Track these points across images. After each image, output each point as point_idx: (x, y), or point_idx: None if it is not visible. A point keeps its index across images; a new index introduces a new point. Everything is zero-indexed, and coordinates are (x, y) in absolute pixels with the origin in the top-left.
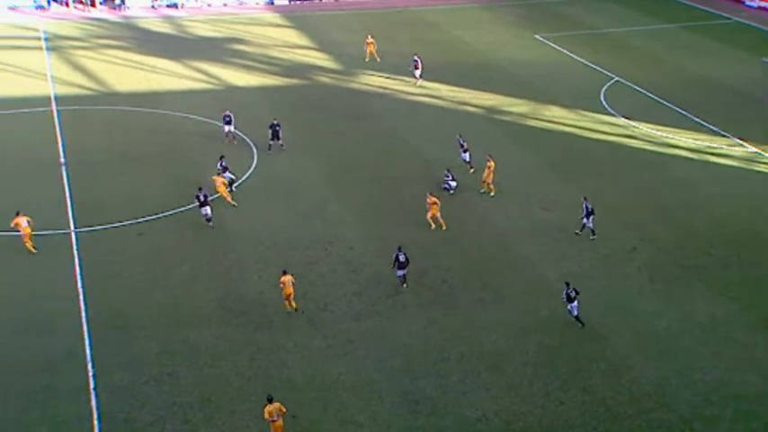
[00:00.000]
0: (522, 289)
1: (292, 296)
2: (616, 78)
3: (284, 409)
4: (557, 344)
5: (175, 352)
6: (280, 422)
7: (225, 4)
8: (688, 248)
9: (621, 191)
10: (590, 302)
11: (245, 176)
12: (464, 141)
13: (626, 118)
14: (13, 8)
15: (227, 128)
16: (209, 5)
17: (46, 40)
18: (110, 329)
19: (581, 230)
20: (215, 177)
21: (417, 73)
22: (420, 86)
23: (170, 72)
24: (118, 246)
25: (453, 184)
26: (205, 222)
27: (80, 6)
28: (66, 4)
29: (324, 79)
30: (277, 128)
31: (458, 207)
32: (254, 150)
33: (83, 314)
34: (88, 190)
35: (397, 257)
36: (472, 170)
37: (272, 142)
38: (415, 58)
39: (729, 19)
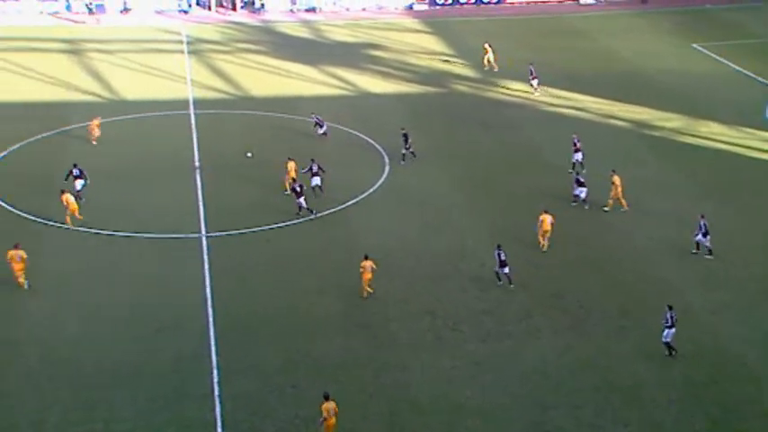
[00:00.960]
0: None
1: (370, 280)
2: None
3: (337, 409)
4: (705, 379)
5: (299, 363)
6: (332, 420)
7: (363, 9)
8: None
9: None
10: (747, 337)
11: (376, 185)
12: (578, 141)
13: None
14: (159, 12)
15: (320, 130)
16: (347, 9)
17: (188, 43)
18: (236, 335)
19: (697, 249)
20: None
21: (535, 83)
22: (552, 95)
23: (305, 77)
24: (246, 252)
25: (581, 191)
26: (300, 209)
27: (221, 10)
28: (209, 8)
29: (461, 87)
30: (406, 136)
31: (597, 225)
32: (386, 159)
33: (210, 319)
34: (220, 194)
35: (499, 255)
36: (572, 172)
37: (404, 152)
38: (531, 68)
39: None
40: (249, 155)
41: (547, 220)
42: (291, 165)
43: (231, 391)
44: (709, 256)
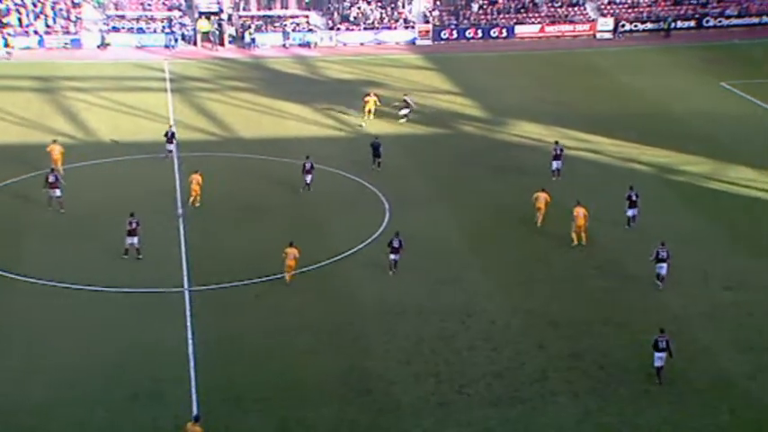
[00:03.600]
0: (699, 384)
1: (292, 269)
2: None
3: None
4: None
5: None
6: None
7: (362, 44)
8: None
9: None
10: None
11: (376, 234)
12: (561, 150)
13: None
14: (140, 47)
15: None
16: (344, 45)
17: (171, 80)
18: (221, 402)
19: (661, 280)
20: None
21: (403, 112)
22: (568, 137)
23: (299, 117)
24: (233, 307)
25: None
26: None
27: (208, 45)
28: (194, 43)
29: (469, 128)
30: (378, 147)
31: (620, 282)
32: (387, 205)
33: (192, 384)
34: (205, 244)
35: (391, 242)
36: (554, 178)
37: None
38: (406, 98)
39: None
40: (180, 211)
41: (581, 213)
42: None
43: None
44: (657, 282)
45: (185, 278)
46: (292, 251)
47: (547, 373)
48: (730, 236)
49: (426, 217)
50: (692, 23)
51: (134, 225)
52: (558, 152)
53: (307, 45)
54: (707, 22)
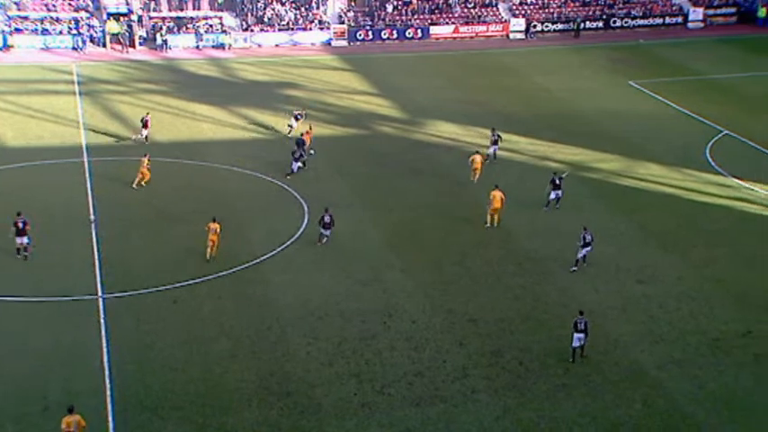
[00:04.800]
0: (613, 375)
1: (215, 246)
2: (725, 132)
3: (84, 423)
4: None
5: None
6: None
7: (277, 45)
8: None
9: (734, 263)
10: (697, 393)
11: (295, 237)
12: (498, 136)
13: (737, 178)
14: (45, 49)
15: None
16: (258, 46)
17: (79, 83)
18: (138, 412)
19: (577, 265)
20: None
21: (294, 123)
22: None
23: (214, 120)
24: (150, 314)
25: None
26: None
27: (118, 47)
28: (104, 45)
29: (386, 129)
30: (300, 146)
31: (538, 277)
32: (306, 207)
33: (108, 393)
34: (119, 250)
35: (322, 218)
36: (486, 161)
37: (300, 165)
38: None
39: None
40: (92, 217)
41: (497, 196)
42: None
43: None
44: (573, 268)
45: (99, 285)
46: (214, 225)
47: (467, 371)
48: (641, 231)
49: (345, 218)
50: (601, 24)
51: (21, 224)
52: (496, 138)
53: (221, 47)
54: (614, 22)
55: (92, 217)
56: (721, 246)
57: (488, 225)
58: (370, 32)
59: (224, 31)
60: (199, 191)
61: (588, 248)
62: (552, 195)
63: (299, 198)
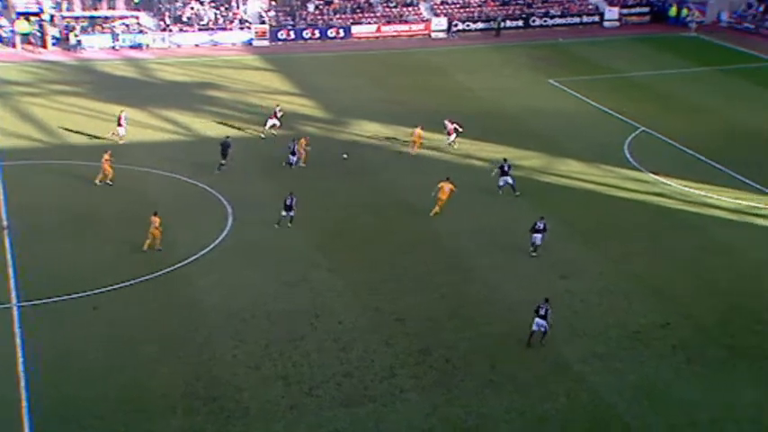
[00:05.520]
0: (539, 371)
1: (156, 239)
2: (642, 129)
3: None
4: None
5: None
6: None
7: (197, 45)
8: (732, 325)
9: (652, 257)
10: (618, 386)
11: (220, 239)
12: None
13: (654, 174)
14: None
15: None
16: (178, 46)
17: None
18: (58, 421)
19: (534, 251)
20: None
21: (270, 123)
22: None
23: (132, 121)
24: (69, 321)
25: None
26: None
27: (29, 47)
28: (13, 45)
29: (310, 129)
30: (228, 147)
31: (465, 275)
32: (229, 209)
33: (24, 406)
34: (35, 257)
35: (285, 200)
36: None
37: (222, 163)
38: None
39: None
40: (5, 223)
41: (445, 187)
42: None
43: None
44: (533, 253)
45: (14, 293)
46: (156, 219)
47: (395, 370)
48: (564, 227)
49: (271, 219)
50: (520, 23)
51: None
52: (453, 125)
53: (138, 47)
54: (533, 21)
55: (4, 222)
56: (640, 240)
57: (433, 213)
58: (291, 32)
59: (141, 31)
60: (119, 194)
61: (539, 235)
62: (501, 182)
63: (223, 200)
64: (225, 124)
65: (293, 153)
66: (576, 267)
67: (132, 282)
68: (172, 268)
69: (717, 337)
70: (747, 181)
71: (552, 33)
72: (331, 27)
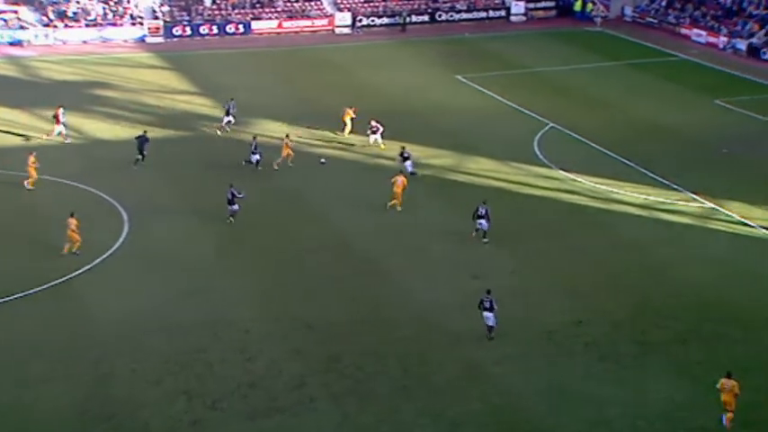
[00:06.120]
0: (452, 374)
1: (74, 241)
2: (551, 125)
3: None
4: None
5: None
6: None
7: (85, 42)
8: (642, 321)
9: (563, 255)
10: (532, 387)
11: (114, 248)
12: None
13: (564, 170)
14: None
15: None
16: (63, 43)
17: None
18: None
19: (476, 232)
20: None
21: (226, 119)
22: (313, 136)
23: (14, 123)
24: None
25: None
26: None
27: None
28: None
29: (211, 130)
30: (145, 141)
31: (375, 278)
32: (125, 216)
33: None
34: None
35: (226, 195)
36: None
37: (138, 157)
38: (229, 104)
39: (677, 57)
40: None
41: (398, 180)
42: None
43: None
44: (483, 239)
45: None
46: (72, 221)
47: (304, 379)
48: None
49: (169, 225)
50: (426, 18)
51: None
52: (376, 126)
53: (18, 43)
54: (439, 16)
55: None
56: (551, 238)
57: (390, 206)
58: (187, 28)
59: (21, 27)
60: (2, 203)
61: (483, 221)
62: (409, 168)
63: (118, 207)
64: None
65: (254, 152)
66: (487, 267)
67: (17, 296)
68: (62, 280)
69: (628, 333)
70: (654, 176)
71: (459, 28)
72: (230, 23)
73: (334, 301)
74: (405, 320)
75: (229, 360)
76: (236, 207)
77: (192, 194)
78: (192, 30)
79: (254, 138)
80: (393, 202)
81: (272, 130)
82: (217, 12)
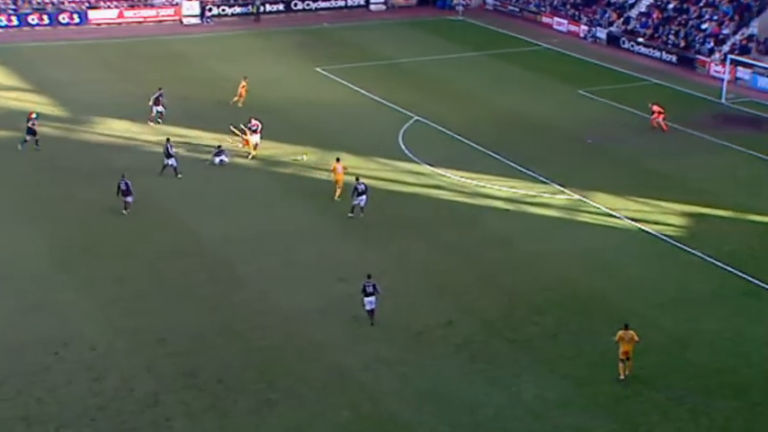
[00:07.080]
0: (319, 384)
1: None
2: (415, 117)
3: None
4: None
5: None
6: None
7: None
8: (512, 317)
9: (432, 252)
10: (402, 393)
11: None
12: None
13: (431, 165)
14: None
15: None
16: None
17: None
18: None
19: (352, 212)
20: None
21: (156, 109)
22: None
23: None
24: None
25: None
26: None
27: None
28: None
29: (46, 130)
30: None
31: (233, 285)
32: None
33: None
34: None
35: (119, 185)
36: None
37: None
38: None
39: (539, 46)
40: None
41: (338, 168)
42: None
43: None
44: (361, 214)
45: None
46: None
47: (159, 397)
48: (339, 227)
49: (4, 235)
50: (282, 7)
51: None
52: (256, 125)
53: None
54: (295, 5)
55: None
56: (420, 235)
57: (337, 197)
58: (13, 17)
59: None
60: None
61: (363, 197)
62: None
63: None
64: None
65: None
66: (355, 268)
67: None
68: None
69: (499, 331)
70: (521, 168)
71: (317, 18)
72: (63, 12)
73: (189, 311)
74: (267, 329)
75: (74, 381)
76: (129, 199)
77: (28, 200)
78: (18, 19)
79: (168, 140)
80: (338, 192)
81: (117, 128)
82: (48, 1)
